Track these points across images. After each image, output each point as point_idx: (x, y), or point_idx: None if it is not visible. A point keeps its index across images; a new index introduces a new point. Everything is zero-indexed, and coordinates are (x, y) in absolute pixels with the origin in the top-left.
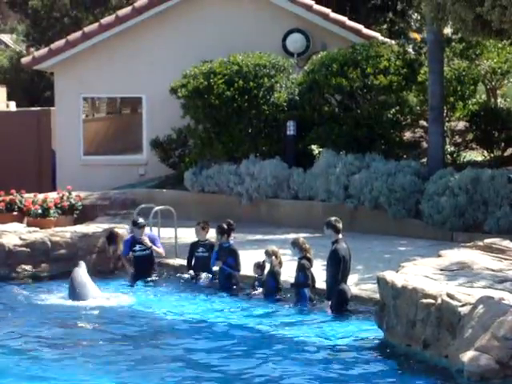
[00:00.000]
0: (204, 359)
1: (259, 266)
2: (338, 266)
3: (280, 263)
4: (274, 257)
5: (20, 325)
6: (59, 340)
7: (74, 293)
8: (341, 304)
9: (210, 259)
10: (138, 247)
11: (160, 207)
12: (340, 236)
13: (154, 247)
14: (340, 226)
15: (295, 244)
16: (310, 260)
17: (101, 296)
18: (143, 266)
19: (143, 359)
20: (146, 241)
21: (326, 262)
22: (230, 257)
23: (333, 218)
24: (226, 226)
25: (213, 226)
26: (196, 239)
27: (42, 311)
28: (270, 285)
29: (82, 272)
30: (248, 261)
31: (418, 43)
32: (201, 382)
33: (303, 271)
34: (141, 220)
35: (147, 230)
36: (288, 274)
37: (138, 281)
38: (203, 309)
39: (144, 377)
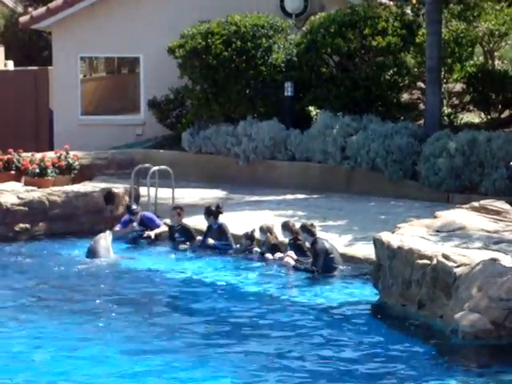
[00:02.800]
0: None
1: (248, 237)
2: (323, 259)
3: (276, 238)
4: (268, 233)
5: (28, 282)
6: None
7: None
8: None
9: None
10: (137, 228)
11: (157, 167)
12: (317, 235)
13: (152, 233)
14: (315, 230)
15: (286, 227)
16: (301, 241)
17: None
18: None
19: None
20: (149, 233)
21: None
22: (221, 237)
23: (308, 223)
24: (214, 208)
25: (210, 186)
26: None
27: (51, 269)
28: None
29: (106, 239)
30: (245, 222)
31: (415, 5)
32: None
33: (301, 251)
34: (134, 207)
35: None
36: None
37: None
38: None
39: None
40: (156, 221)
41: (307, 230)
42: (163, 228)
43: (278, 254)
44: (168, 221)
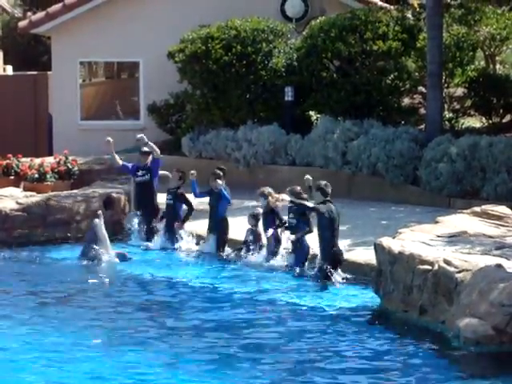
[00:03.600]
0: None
1: (254, 216)
2: (329, 227)
3: (277, 200)
4: (269, 197)
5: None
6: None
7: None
8: (334, 267)
9: (174, 208)
10: (140, 173)
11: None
12: (328, 198)
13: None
14: (329, 190)
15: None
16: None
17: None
18: (143, 192)
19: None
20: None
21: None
22: (220, 202)
23: (323, 182)
24: (220, 172)
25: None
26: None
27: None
28: (269, 223)
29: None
30: (245, 227)
31: (418, 9)
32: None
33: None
34: (145, 148)
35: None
36: None
37: (138, 210)
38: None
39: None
40: (161, 163)
41: (321, 189)
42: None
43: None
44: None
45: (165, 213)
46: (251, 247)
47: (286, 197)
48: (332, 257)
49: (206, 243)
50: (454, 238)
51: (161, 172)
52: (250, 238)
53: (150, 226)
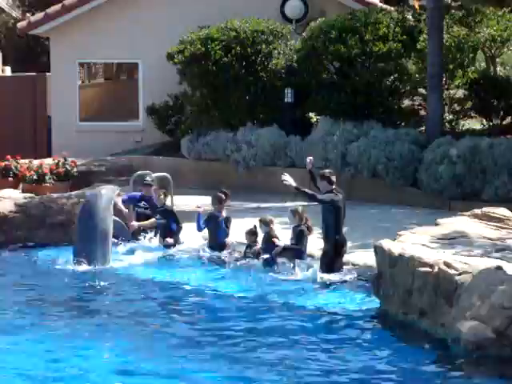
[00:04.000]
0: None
1: (252, 233)
2: (333, 215)
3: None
4: (271, 225)
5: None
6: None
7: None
8: (337, 255)
9: (168, 226)
10: (141, 204)
11: (156, 174)
12: (334, 186)
13: (136, 224)
14: (333, 178)
15: (295, 213)
16: (309, 229)
17: None
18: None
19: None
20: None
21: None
22: (220, 228)
23: (327, 171)
24: (223, 195)
25: (209, 193)
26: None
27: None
28: (269, 252)
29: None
30: (244, 228)
31: (419, 11)
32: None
33: (300, 237)
34: (148, 178)
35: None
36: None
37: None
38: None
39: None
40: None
41: (326, 177)
42: (152, 221)
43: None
44: None
45: (157, 232)
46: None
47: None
48: (335, 245)
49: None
50: (454, 241)
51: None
52: (250, 255)
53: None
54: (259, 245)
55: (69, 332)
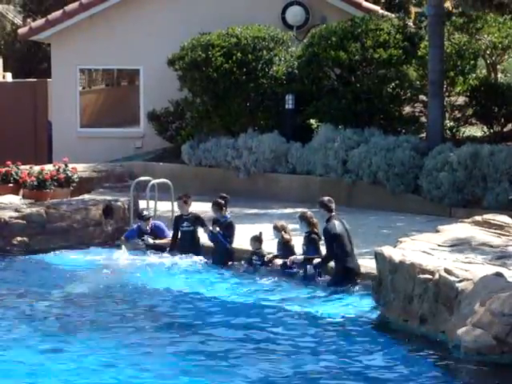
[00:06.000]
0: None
1: (257, 239)
2: (332, 244)
3: (290, 236)
4: (283, 231)
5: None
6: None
7: None
8: (341, 281)
9: (195, 232)
10: (145, 237)
11: (157, 180)
12: (333, 213)
13: (157, 242)
14: (332, 205)
15: (303, 218)
16: (317, 235)
17: None
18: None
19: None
20: (149, 241)
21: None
22: (226, 231)
23: (325, 198)
24: (222, 201)
25: (210, 199)
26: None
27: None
28: (285, 257)
29: None
30: (245, 235)
31: (417, 17)
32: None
33: (314, 245)
34: (145, 213)
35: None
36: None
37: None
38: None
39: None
40: (166, 231)
41: (324, 204)
42: (166, 241)
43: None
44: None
45: (181, 241)
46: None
47: (299, 257)
48: (346, 271)
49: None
50: (454, 248)
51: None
52: (257, 262)
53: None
54: (264, 251)
55: None
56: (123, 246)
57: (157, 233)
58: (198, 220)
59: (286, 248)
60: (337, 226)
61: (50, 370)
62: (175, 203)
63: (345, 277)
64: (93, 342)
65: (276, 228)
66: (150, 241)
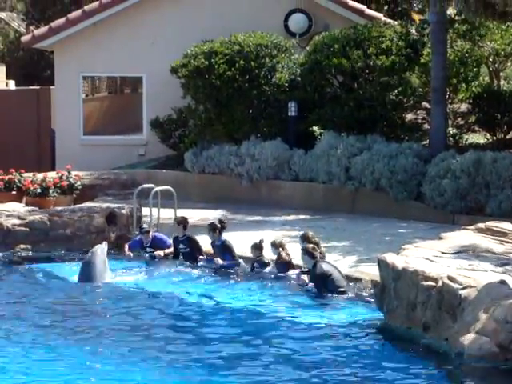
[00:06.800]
0: (204, 338)
1: (257, 247)
2: (322, 283)
3: (288, 255)
4: (280, 248)
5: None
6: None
7: (90, 274)
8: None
9: (192, 253)
10: (148, 250)
11: (160, 188)
12: (318, 259)
13: (162, 253)
14: (316, 253)
15: (304, 238)
16: (322, 254)
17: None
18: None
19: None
20: (158, 253)
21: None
22: (225, 254)
23: (310, 246)
24: (218, 224)
25: (213, 206)
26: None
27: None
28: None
29: (103, 251)
30: (247, 242)
31: (420, 24)
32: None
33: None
34: (145, 226)
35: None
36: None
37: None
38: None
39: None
40: (167, 242)
41: (309, 252)
42: (168, 251)
43: (294, 271)
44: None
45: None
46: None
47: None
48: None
49: None
50: (458, 255)
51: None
52: (257, 253)
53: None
54: (265, 259)
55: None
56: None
57: (157, 244)
58: (190, 241)
59: (281, 267)
60: (324, 266)
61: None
62: (178, 210)
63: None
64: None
65: (274, 245)
66: (161, 253)
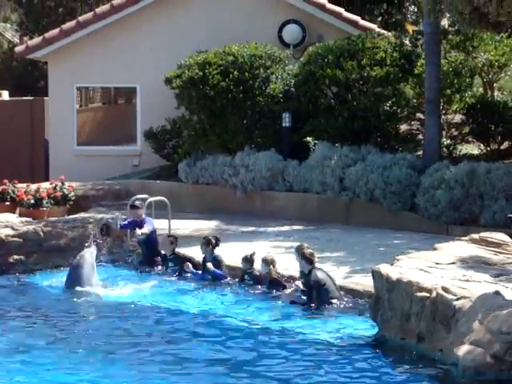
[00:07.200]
0: (193, 351)
1: (247, 260)
2: (316, 291)
3: (277, 273)
4: (271, 266)
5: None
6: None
7: (78, 278)
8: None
9: (182, 271)
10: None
11: (154, 198)
12: (315, 265)
13: (139, 232)
14: (315, 259)
15: (299, 250)
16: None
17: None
18: (146, 249)
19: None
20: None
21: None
22: (216, 268)
23: (308, 251)
24: (213, 240)
25: (207, 217)
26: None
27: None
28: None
29: (92, 255)
30: (241, 253)
31: (414, 35)
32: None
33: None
34: (137, 202)
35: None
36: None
37: (143, 265)
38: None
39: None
40: (152, 224)
41: (306, 257)
42: (149, 228)
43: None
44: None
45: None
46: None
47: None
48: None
49: None
50: (452, 265)
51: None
52: (247, 265)
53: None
54: (256, 271)
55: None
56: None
57: (143, 225)
58: (178, 260)
59: (271, 284)
60: (319, 274)
61: None
62: (172, 221)
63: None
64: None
65: (265, 261)
66: (138, 232)
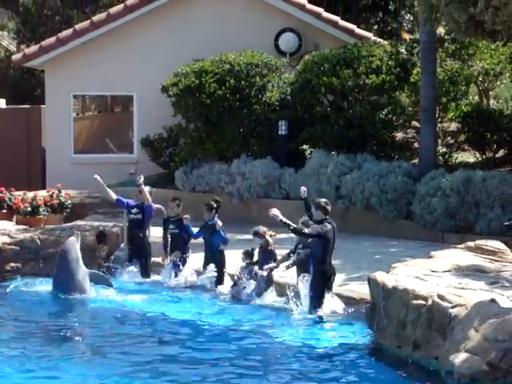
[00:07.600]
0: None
1: (248, 254)
2: (321, 247)
3: (271, 236)
4: (266, 235)
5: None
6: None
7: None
8: (322, 292)
9: (181, 235)
10: (134, 210)
11: (154, 206)
12: (327, 217)
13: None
14: (329, 208)
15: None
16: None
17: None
18: (135, 229)
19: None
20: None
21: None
22: (214, 234)
23: (323, 200)
24: (215, 205)
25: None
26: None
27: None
28: (265, 260)
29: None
30: (238, 260)
31: (409, 43)
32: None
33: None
34: (141, 181)
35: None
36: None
37: (130, 246)
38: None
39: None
40: (151, 213)
41: (322, 207)
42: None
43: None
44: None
45: (172, 244)
46: (245, 285)
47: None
48: (323, 279)
49: (203, 277)
50: (447, 273)
51: (155, 206)
52: (247, 276)
53: (142, 262)
54: (254, 267)
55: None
56: None
57: (145, 209)
58: (181, 223)
59: (265, 254)
60: (326, 229)
61: None
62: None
63: (323, 288)
64: None
65: (258, 234)
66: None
